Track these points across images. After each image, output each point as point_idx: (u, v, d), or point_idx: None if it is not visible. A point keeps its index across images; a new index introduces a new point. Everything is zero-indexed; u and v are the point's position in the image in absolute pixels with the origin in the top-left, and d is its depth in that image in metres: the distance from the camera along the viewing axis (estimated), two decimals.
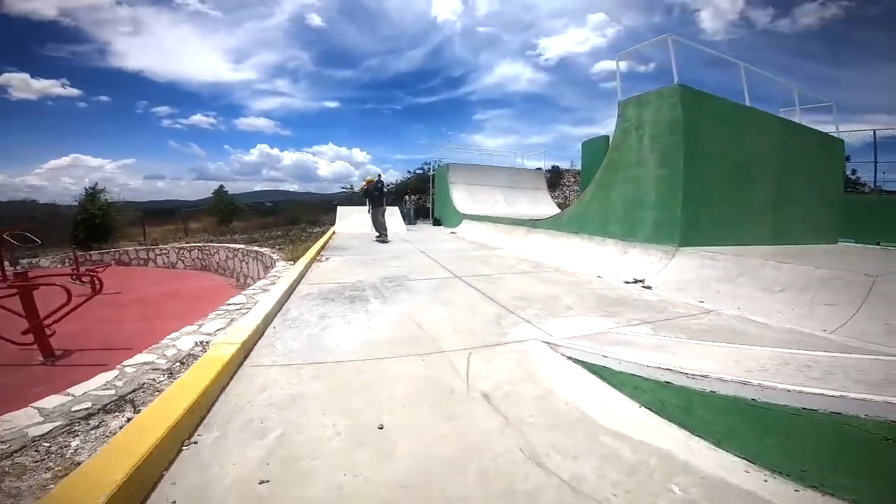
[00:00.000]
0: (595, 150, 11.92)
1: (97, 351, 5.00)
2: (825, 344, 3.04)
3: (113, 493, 1.28)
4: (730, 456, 1.58)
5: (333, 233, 12.73)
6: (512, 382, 2.35)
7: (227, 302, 4.23)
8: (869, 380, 1.63)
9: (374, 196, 10.81)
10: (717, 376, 1.73)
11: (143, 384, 2.35)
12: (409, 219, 17.70)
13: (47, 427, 1.86)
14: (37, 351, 4.67)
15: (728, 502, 1.35)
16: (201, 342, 3.01)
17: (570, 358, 2.65)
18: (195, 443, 1.77)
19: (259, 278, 7.29)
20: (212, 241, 15.45)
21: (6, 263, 11.00)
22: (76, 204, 19.04)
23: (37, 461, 1.63)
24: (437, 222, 17.69)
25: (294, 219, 23.24)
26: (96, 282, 5.68)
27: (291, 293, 4.54)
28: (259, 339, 3.07)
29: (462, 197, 16.17)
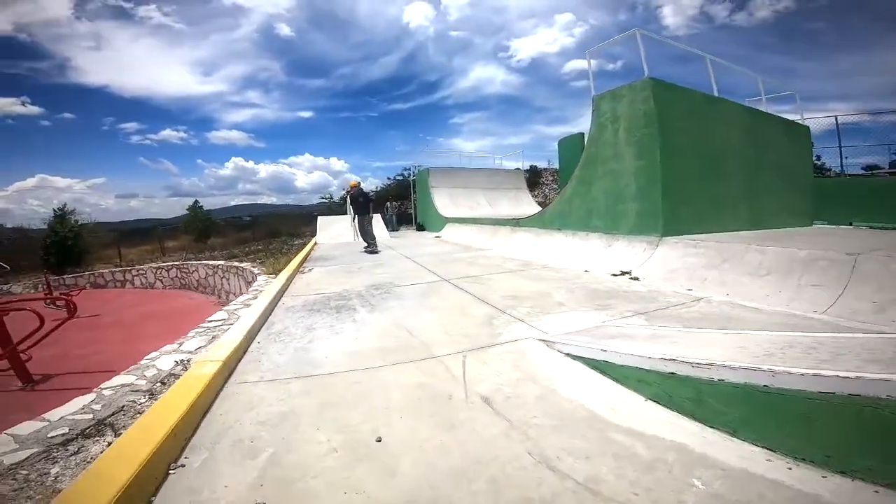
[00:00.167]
0: (571, 147, 12.04)
1: (77, 375, 4.85)
2: (819, 325, 3.04)
3: None
4: (748, 445, 1.52)
5: (315, 244, 12.51)
6: (511, 384, 2.27)
7: (208, 319, 4.04)
8: (882, 359, 1.60)
9: (360, 202, 10.10)
10: (726, 364, 1.67)
11: (123, 406, 2.22)
12: (392, 225, 17.53)
13: (23, 454, 1.75)
14: (14, 377, 4.53)
15: (755, 494, 1.29)
16: (182, 361, 2.85)
17: (568, 354, 2.58)
18: (182, 466, 1.66)
19: (241, 294, 7.07)
20: (190, 259, 15.08)
21: None
22: (45, 227, 18.32)
23: (16, 490, 1.53)
24: (420, 227, 17.59)
25: (274, 232, 22.84)
26: (71, 306, 5.49)
27: (275, 306, 4.38)
28: (243, 355, 2.92)
29: (444, 201, 16.12)
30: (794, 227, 7.30)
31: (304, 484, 1.50)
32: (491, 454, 1.61)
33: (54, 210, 18.89)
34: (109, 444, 1.82)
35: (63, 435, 1.93)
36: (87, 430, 1.98)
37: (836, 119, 10.64)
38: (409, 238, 13.75)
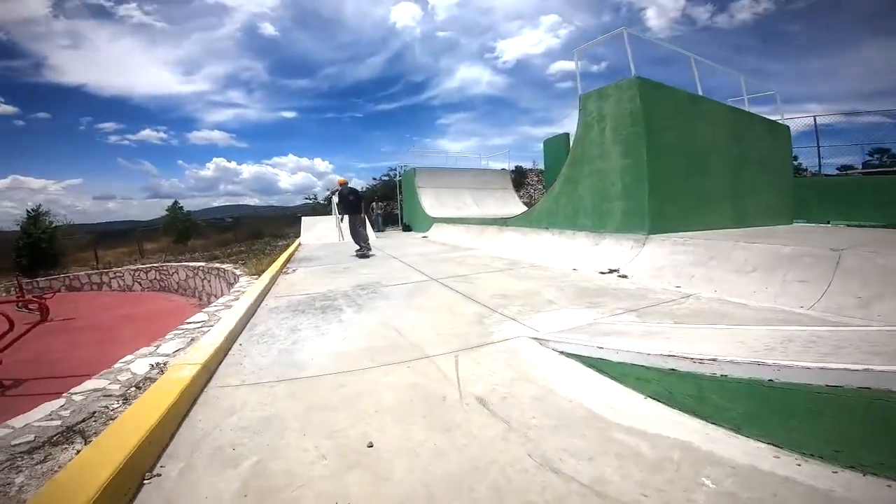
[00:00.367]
0: (556, 147, 12.08)
1: (50, 380, 4.63)
2: (808, 321, 3.05)
3: None
4: (754, 442, 1.48)
5: (299, 244, 12.29)
6: (507, 384, 2.19)
7: (187, 320, 3.88)
8: (885, 351, 1.57)
9: (350, 201, 8.89)
10: (728, 359, 1.63)
11: (95, 412, 2.08)
12: (378, 226, 17.38)
13: None
14: None
15: (768, 491, 1.23)
16: (158, 364, 2.70)
17: (562, 353, 2.53)
18: (158, 475, 1.54)
19: (223, 295, 6.87)
20: (170, 261, 14.67)
21: None
22: (18, 229, 17.64)
23: None
24: (406, 228, 17.46)
25: (257, 233, 22.42)
26: (43, 309, 5.26)
27: (258, 307, 4.24)
28: (224, 357, 2.78)
29: (431, 201, 16.03)
30: (776, 224, 7.43)
31: (292, 494, 1.39)
32: (490, 457, 1.53)
33: (28, 211, 18.26)
34: (79, 451, 1.69)
35: (28, 443, 1.80)
36: (55, 438, 1.85)
37: (815, 120, 10.90)
38: (395, 238, 13.62)
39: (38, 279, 14.87)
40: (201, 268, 11.27)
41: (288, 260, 8.30)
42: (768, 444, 1.45)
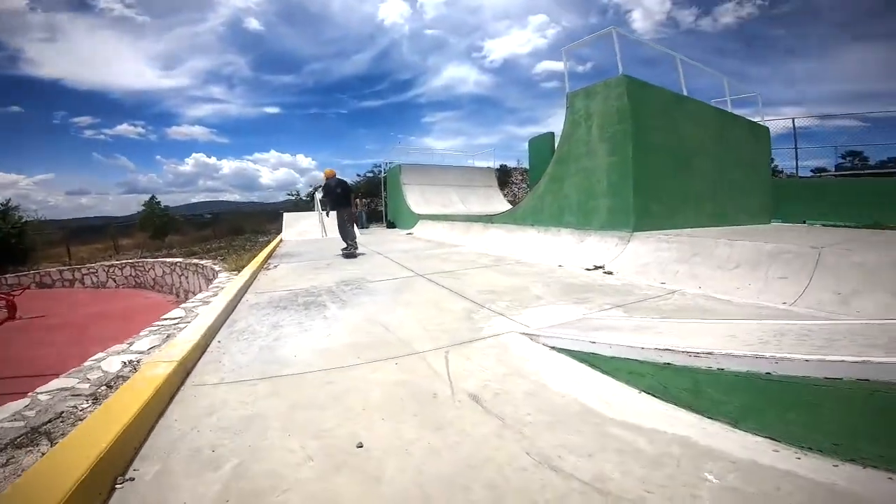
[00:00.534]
0: (541, 146, 12.13)
1: (15, 379, 4.34)
2: (792, 316, 3.09)
3: None
4: (751, 436, 1.46)
5: (281, 241, 12.04)
6: (499, 379, 2.14)
7: (163, 317, 3.72)
8: (879, 343, 1.57)
9: (338, 194, 8.15)
10: (724, 352, 1.61)
11: (62, 413, 1.96)
12: (361, 223, 17.17)
13: None
14: None
15: (770, 485, 1.21)
16: (131, 362, 2.57)
17: (553, 348, 2.49)
18: (131, 479, 1.44)
19: (201, 292, 6.66)
20: (146, 257, 14.20)
21: None
22: None
23: None
24: (391, 225, 17.32)
25: (237, 229, 21.87)
26: (11, 306, 4.99)
27: (237, 303, 4.10)
28: (202, 354, 2.66)
29: (416, 198, 15.93)
30: (755, 224, 7.58)
31: (277, 498, 1.31)
32: (485, 455, 1.47)
33: None
34: (44, 454, 1.58)
35: None
36: (18, 440, 1.72)
37: (794, 122, 11.18)
38: (379, 235, 13.47)
39: (6, 276, 14.25)
40: (178, 264, 10.96)
41: (269, 256, 8.11)
42: (766, 437, 1.43)
